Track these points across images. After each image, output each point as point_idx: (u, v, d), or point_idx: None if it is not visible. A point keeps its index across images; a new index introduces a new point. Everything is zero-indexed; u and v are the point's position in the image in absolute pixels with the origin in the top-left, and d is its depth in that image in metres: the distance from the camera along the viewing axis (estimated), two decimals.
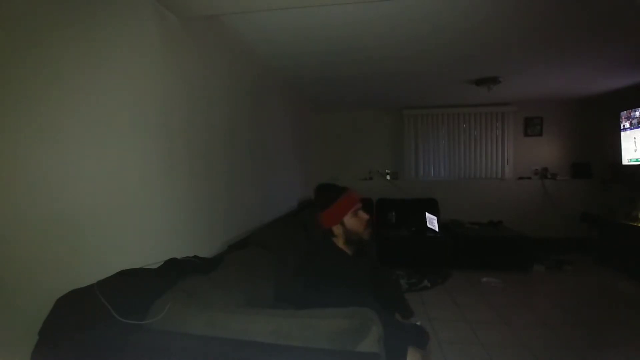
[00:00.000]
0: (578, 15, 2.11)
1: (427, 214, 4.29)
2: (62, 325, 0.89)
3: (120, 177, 1.23)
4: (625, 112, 3.98)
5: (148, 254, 1.32)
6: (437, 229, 4.11)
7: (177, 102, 1.59)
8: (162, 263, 1.32)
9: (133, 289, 1.06)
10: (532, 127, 4.95)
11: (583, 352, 2.15)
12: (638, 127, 3.80)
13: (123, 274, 1.11)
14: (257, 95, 2.73)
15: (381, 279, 1.72)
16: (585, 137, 4.83)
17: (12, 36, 0.88)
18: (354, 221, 1.49)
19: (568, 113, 4.86)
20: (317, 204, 1.56)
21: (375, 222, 4.77)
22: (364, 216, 1.52)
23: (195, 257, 1.49)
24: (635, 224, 3.57)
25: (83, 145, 1.08)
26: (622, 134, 4.03)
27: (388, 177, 5.24)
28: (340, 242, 1.53)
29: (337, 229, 1.51)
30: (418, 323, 1.45)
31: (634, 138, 3.86)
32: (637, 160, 3.87)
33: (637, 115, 3.80)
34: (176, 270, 1.28)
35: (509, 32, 2.34)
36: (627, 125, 3.95)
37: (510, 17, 2.12)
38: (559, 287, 3.36)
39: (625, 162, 4.04)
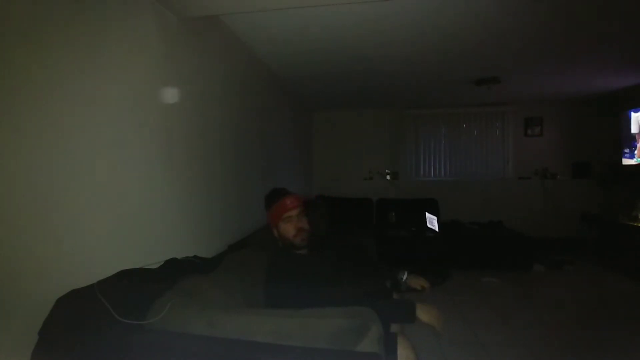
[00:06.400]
0: (578, 15, 2.11)
1: (427, 214, 4.28)
2: (62, 325, 0.89)
3: (120, 177, 1.23)
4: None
5: (148, 254, 1.32)
6: (437, 229, 4.10)
7: (176, 102, 1.59)
8: (162, 263, 1.32)
9: (133, 289, 1.07)
10: (532, 127, 4.94)
11: (583, 351, 2.15)
12: None
13: (123, 274, 1.11)
14: (257, 95, 2.73)
15: (358, 264, 1.75)
16: (585, 137, 4.82)
17: (12, 37, 0.88)
18: (285, 227, 1.56)
19: (568, 113, 4.85)
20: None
21: (375, 222, 4.78)
22: (297, 224, 1.55)
23: (195, 257, 1.50)
24: (635, 224, 3.57)
25: (83, 146, 1.08)
26: None
27: (388, 177, 5.23)
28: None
29: (274, 232, 1.61)
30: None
31: None
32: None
33: None
34: (176, 270, 1.28)
35: (509, 32, 2.34)
36: None
37: (511, 17, 2.12)
38: (559, 287, 3.35)
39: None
